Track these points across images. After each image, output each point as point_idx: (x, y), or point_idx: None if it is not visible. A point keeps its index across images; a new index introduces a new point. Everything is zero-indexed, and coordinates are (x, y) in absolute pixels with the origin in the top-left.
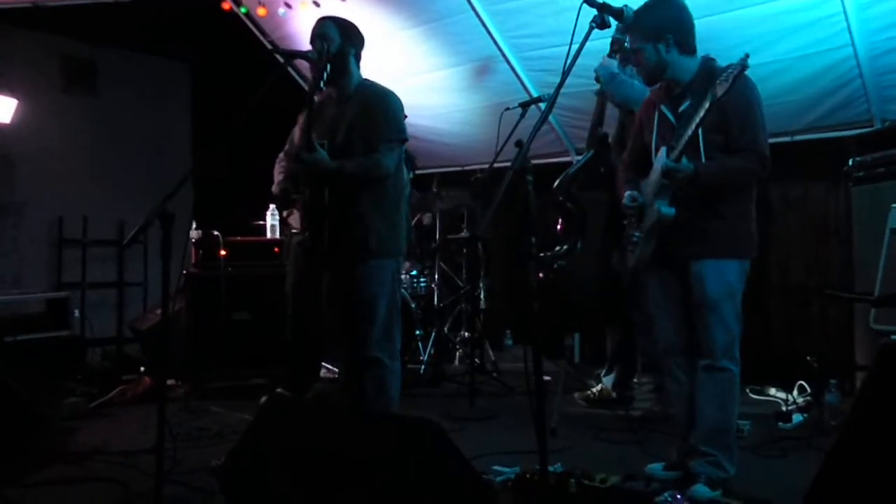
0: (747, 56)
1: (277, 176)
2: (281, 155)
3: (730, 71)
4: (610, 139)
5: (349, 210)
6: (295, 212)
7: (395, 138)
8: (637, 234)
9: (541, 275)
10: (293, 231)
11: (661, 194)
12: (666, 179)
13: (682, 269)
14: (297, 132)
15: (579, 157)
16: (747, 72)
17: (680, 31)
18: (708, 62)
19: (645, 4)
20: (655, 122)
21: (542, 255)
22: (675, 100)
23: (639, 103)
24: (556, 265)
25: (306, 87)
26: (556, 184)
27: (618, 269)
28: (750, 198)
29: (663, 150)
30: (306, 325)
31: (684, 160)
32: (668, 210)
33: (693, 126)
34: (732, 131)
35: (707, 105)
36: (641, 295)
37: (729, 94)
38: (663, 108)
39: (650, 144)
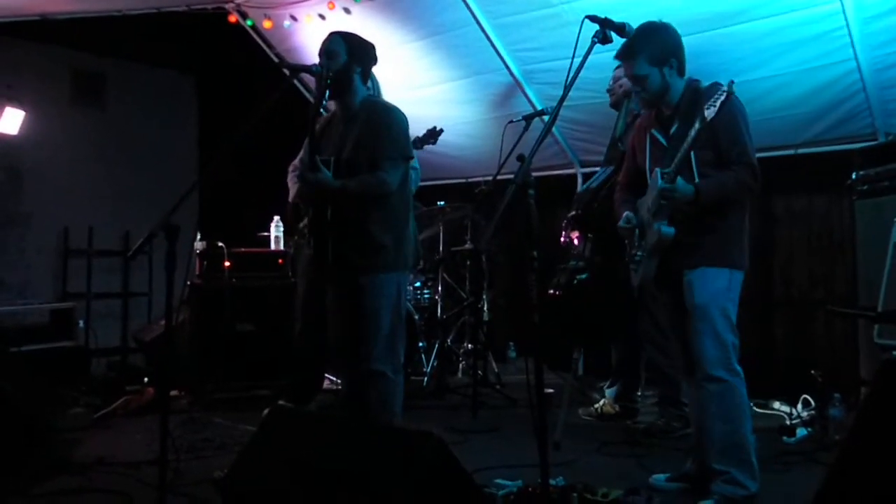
0: (732, 82)
1: (292, 184)
2: (295, 162)
3: (717, 96)
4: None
5: (355, 226)
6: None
7: (398, 155)
8: (639, 253)
9: (557, 292)
10: (303, 242)
11: (659, 215)
12: (664, 201)
13: (678, 281)
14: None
15: (599, 171)
16: (743, 88)
17: (680, 54)
18: (692, 83)
19: (644, 31)
20: (647, 145)
21: (561, 267)
22: (665, 122)
23: None
24: (576, 279)
25: (312, 100)
26: (575, 197)
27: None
28: (743, 211)
29: (658, 171)
30: (315, 336)
31: (680, 181)
32: (668, 230)
33: (685, 148)
34: (722, 146)
35: (697, 128)
36: (653, 306)
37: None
38: (654, 132)
39: (644, 167)
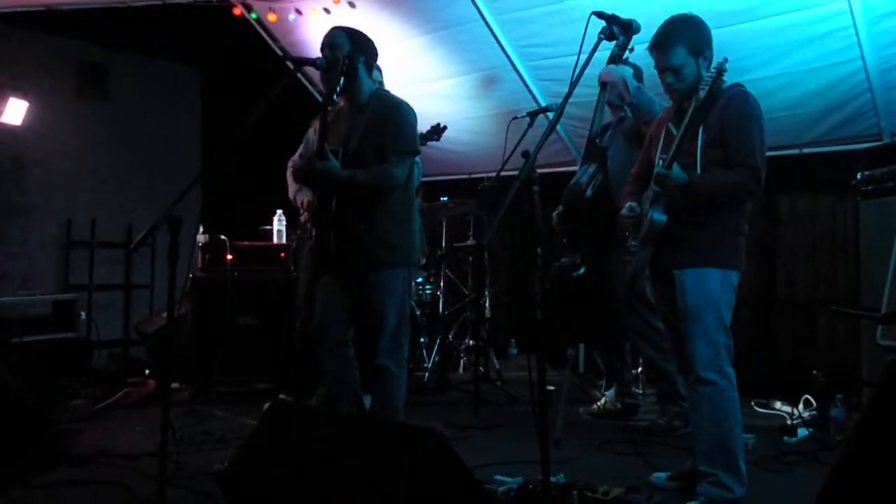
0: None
1: (292, 181)
2: (295, 158)
3: (710, 73)
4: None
5: (361, 219)
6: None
7: (406, 149)
8: (634, 243)
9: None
10: (305, 236)
11: (655, 203)
12: (658, 186)
13: (670, 279)
14: (311, 135)
15: (579, 170)
16: (749, 87)
17: (712, 47)
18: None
19: (679, 21)
20: (662, 137)
21: (558, 263)
22: (682, 115)
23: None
24: (575, 274)
25: (315, 94)
26: (564, 193)
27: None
28: (740, 212)
29: (659, 161)
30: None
31: (677, 168)
32: (660, 217)
33: (682, 131)
34: (730, 148)
35: (691, 109)
36: (639, 304)
37: (725, 107)
38: (670, 124)
39: (655, 159)
